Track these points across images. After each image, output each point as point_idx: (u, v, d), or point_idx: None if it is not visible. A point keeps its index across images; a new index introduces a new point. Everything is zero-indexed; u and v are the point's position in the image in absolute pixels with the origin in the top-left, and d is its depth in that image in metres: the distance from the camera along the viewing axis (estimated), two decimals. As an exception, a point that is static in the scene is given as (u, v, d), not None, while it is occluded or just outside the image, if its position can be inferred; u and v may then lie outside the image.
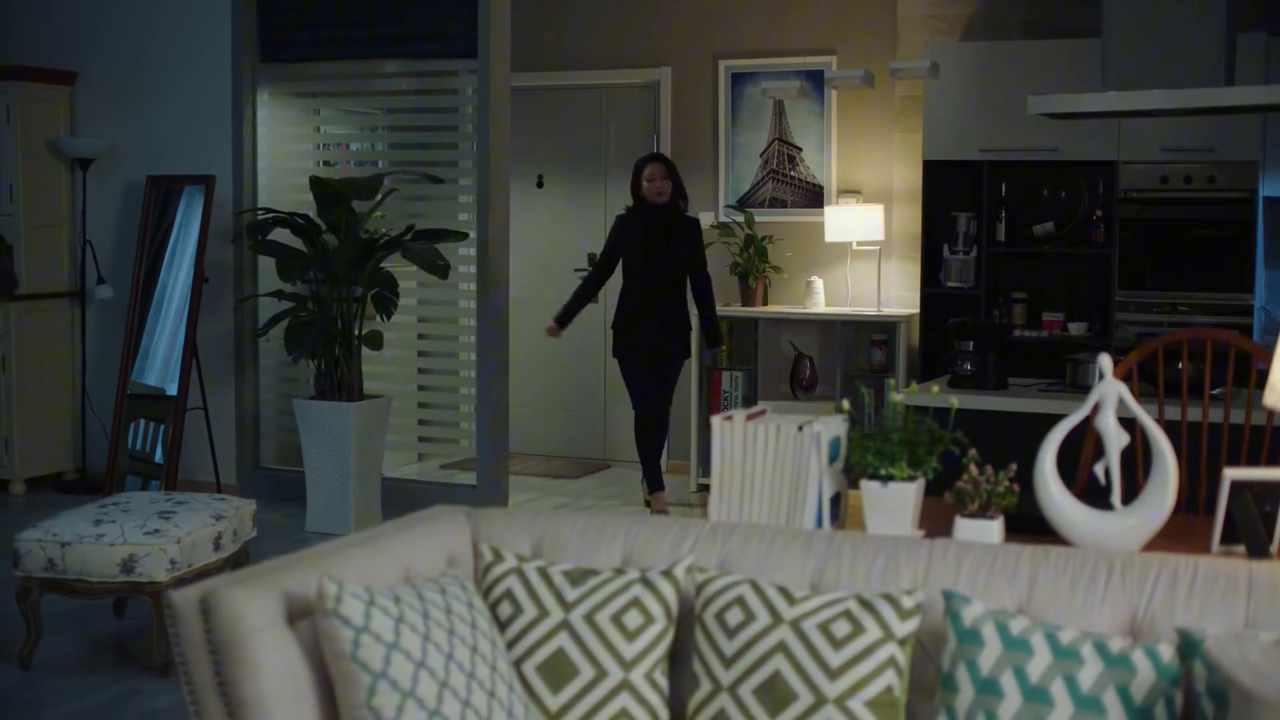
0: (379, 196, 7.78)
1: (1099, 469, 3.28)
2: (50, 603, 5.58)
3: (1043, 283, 8.29)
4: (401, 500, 7.59)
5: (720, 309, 9.06)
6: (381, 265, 7.76)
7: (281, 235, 7.93)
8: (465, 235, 7.94)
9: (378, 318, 7.93)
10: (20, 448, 8.65)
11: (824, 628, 2.80)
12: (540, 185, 9.96)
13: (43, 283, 8.71)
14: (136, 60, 8.78)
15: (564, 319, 8.20)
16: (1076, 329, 8.06)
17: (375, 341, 7.87)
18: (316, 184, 7.67)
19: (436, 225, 7.94)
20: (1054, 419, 3.36)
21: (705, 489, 8.71)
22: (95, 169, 8.79)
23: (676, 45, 9.51)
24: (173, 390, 8.22)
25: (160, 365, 8.41)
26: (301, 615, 2.73)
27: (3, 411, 8.59)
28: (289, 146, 8.74)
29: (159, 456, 8.19)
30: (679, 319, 8.07)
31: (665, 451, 9.58)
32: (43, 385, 8.77)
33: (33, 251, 8.65)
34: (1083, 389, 5.94)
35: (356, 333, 7.76)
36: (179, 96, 8.66)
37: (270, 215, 7.92)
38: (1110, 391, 3.23)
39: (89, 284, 8.78)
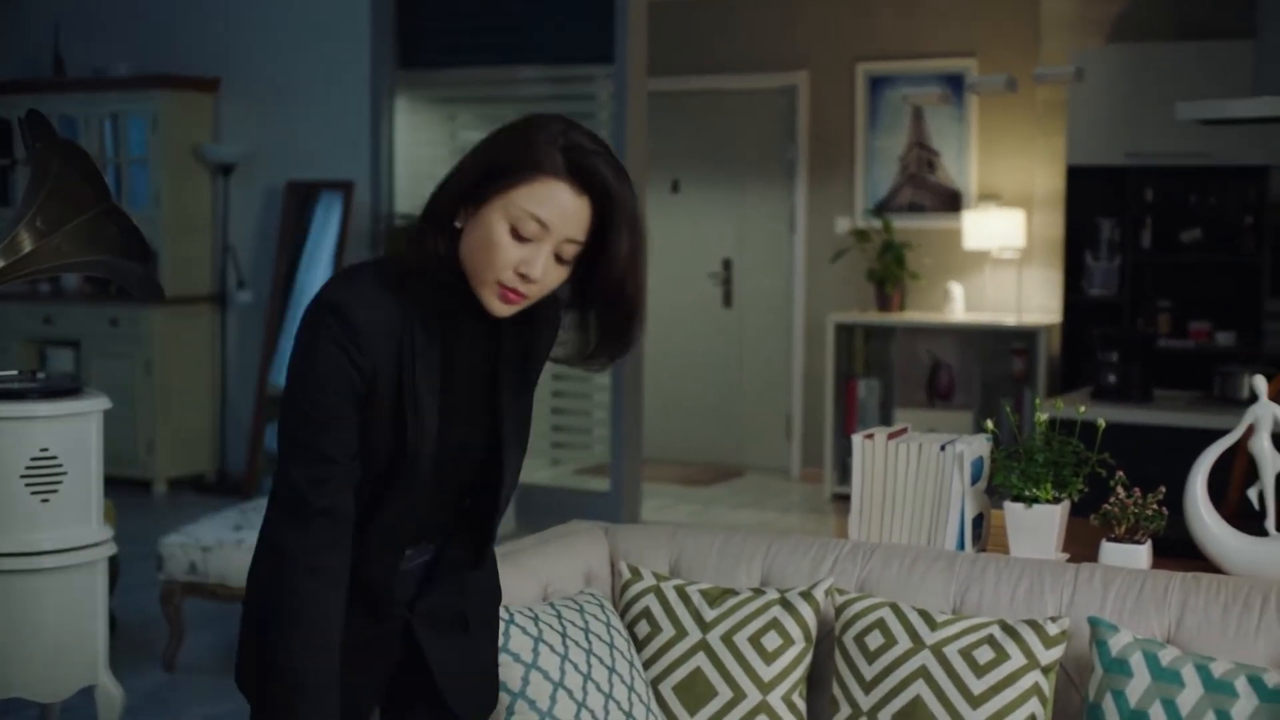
0: (516, 202, 7.79)
1: (1253, 494, 3.18)
2: (192, 605, 5.68)
3: (1189, 291, 8.10)
4: (534, 506, 7.61)
5: (856, 316, 8.99)
6: (517, 271, 7.77)
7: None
8: (601, 240, 7.93)
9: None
10: (163, 449, 8.81)
11: (966, 653, 2.75)
12: (676, 190, 9.94)
13: (185, 287, 8.87)
14: (278, 67, 8.90)
15: None
16: (1224, 339, 7.86)
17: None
18: (454, 190, 7.71)
19: (572, 230, 7.94)
20: (1201, 433, 3.27)
21: (840, 498, 8.64)
22: (237, 174, 8.93)
23: (814, 49, 9.43)
24: (311, 393, 8.31)
25: (299, 368, 8.50)
26: (439, 633, 2.73)
27: (146, 413, 8.76)
28: (426, 151, 8.80)
29: (298, 459, 8.27)
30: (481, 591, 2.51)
31: (799, 459, 9.55)
32: (184, 387, 8.93)
33: (176, 256, 8.83)
34: (1231, 402, 5.79)
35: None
36: (319, 103, 8.77)
37: (408, 221, 7.97)
38: (1266, 413, 3.13)
39: (230, 288, 8.92)
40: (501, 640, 2.63)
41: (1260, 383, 3.17)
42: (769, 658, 2.89)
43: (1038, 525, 3.17)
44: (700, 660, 2.92)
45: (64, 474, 3.80)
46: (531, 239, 2.13)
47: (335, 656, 2.14)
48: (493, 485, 2.33)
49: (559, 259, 2.16)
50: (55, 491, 3.79)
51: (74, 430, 3.82)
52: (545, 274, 2.15)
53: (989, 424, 3.34)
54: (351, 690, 2.30)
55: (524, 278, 2.13)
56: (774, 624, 2.91)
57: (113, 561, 5.05)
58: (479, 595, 2.44)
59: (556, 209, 2.12)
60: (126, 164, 9.03)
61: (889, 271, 8.87)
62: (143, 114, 8.86)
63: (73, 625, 3.90)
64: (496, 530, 2.41)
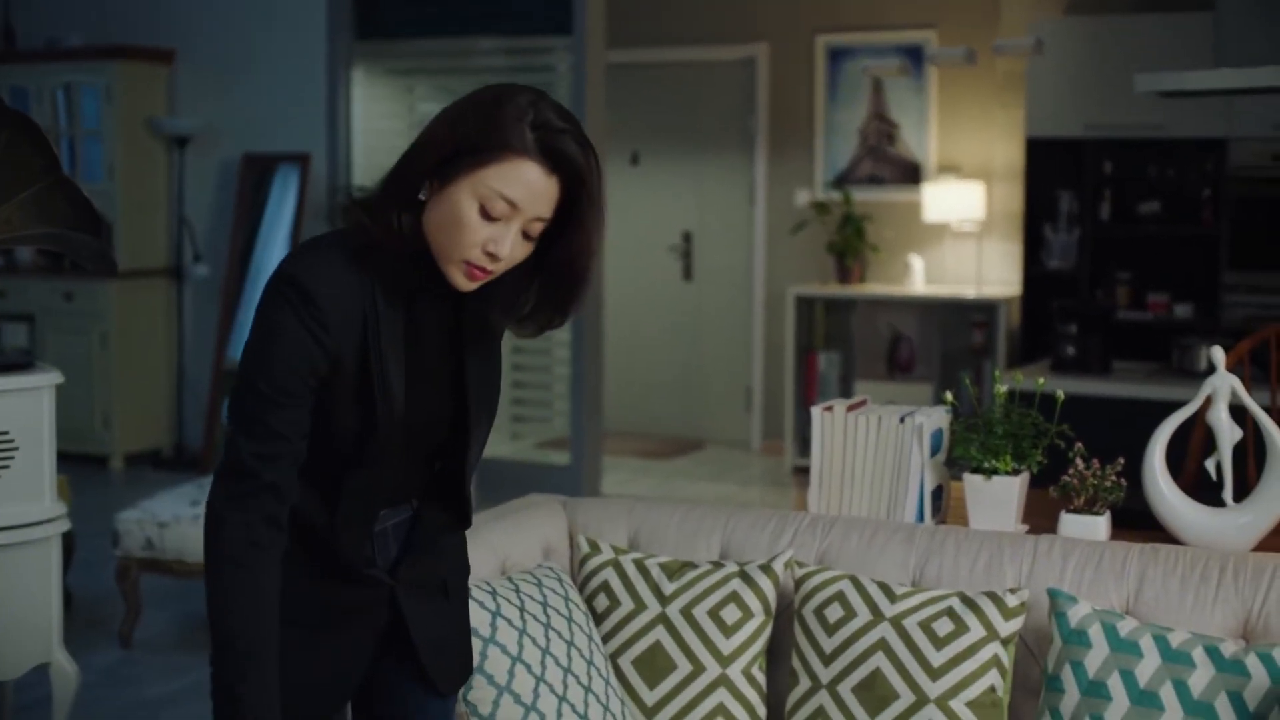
0: (474, 174, 7.75)
1: (1210, 464, 3.19)
2: (149, 581, 5.66)
3: (1148, 263, 8.11)
4: (494, 480, 7.58)
5: (816, 289, 8.99)
6: (476, 244, 7.74)
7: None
8: (560, 213, 7.89)
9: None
10: (119, 424, 8.74)
11: (926, 625, 2.74)
12: (635, 162, 9.91)
13: (141, 260, 8.79)
14: (234, 38, 8.82)
15: None
16: (1182, 311, 7.88)
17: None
18: (411, 162, 7.67)
19: (531, 203, 7.90)
20: (1159, 405, 3.28)
21: (800, 471, 8.65)
22: (193, 147, 8.85)
23: (773, 21, 9.41)
24: (269, 367, 8.27)
25: (257, 342, 8.45)
26: (396, 608, 2.71)
27: (102, 388, 8.69)
28: (384, 124, 8.74)
29: (255, 433, 8.23)
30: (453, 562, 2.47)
31: (760, 432, 9.55)
32: (141, 362, 8.85)
33: (131, 229, 8.75)
34: (1189, 373, 5.82)
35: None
36: (275, 74, 8.70)
37: (366, 193, 7.91)
38: (1223, 385, 3.13)
39: (186, 261, 8.85)
40: (459, 615, 2.61)
41: (1218, 354, 3.17)
42: (728, 631, 2.88)
43: (997, 497, 3.17)
44: (659, 634, 2.90)
45: (16, 450, 3.76)
46: (500, 218, 2.09)
47: (275, 622, 2.12)
48: (461, 449, 2.31)
49: (525, 235, 2.13)
50: (7, 468, 3.74)
51: (26, 405, 3.77)
52: (512, 251, 2.12)
53: (948, 396, 3.34)
54: (337, 658, 2.28)
55: (491, 256, 2.11)
56: (733, 597, 2.90)
57: (68, 537, 5.02)
58: (451, 564, 2.41)
59: (526, 189, 2.09)
60: (80, 136, 8.92)
61: (849, 244, 8.87)
62: (96, 85, 8.76)
63: (26, 602, 3.86)
64: (470, 491, 2.37)
